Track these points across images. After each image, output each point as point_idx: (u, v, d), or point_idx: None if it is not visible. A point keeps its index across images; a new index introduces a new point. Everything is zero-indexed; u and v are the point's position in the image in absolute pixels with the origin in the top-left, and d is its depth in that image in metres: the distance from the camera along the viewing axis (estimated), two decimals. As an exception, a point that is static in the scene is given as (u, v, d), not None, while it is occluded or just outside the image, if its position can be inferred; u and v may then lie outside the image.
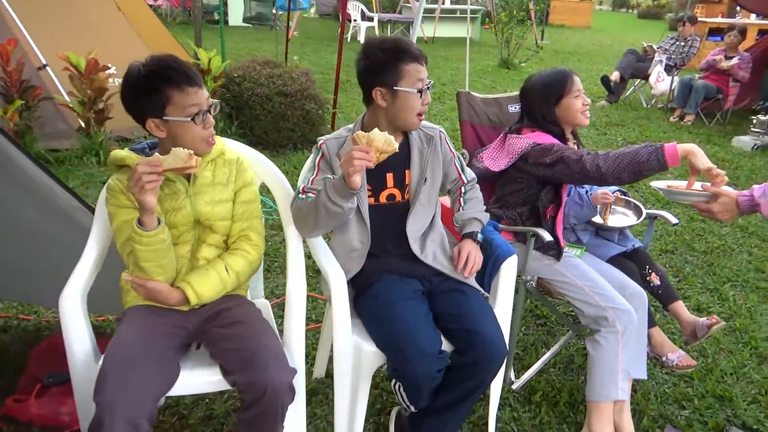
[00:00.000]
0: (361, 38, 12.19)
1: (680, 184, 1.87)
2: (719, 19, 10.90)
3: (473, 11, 14.47)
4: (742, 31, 6.55)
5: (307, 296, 2.76)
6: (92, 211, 1.94)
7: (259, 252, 1.75)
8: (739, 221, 3.97)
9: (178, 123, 1.53)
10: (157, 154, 1.43)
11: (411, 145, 1.85)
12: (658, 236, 3.70)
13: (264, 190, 2.02)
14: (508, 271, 1.89)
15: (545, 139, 2.11)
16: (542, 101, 2.16)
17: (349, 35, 12.39)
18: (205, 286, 1.60)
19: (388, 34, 12.64)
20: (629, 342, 1.96)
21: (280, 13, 11.31)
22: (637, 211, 2.39)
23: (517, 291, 2.01)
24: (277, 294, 2.77)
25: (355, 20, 11.83)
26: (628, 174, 1.87)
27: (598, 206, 2.26)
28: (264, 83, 4.43)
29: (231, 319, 1.60)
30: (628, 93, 7.82)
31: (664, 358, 2.21)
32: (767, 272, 3.34)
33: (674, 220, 2.34)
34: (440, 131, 1.93)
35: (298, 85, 4.57)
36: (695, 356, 2.47)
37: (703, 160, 1.76)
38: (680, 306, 2.27)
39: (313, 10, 17.08)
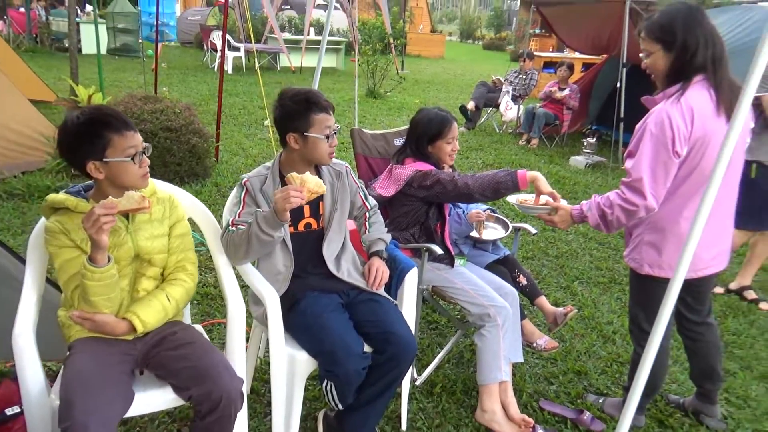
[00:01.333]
0: (229, 68, 12.20)
1: (528, 198, 2.36)
2: (551, 54, 12.48)
3: (337, 43, 15.12)
4: (570, 67, 7.69)
5: (217, 323, 2.92)
6: (10, 251, 2.00)
7: (194, 280, 1.93)
8: (580, 229, 4.73)
9: (118, 164, 1.69)
10: (111, 197, 1.58)
11: (323, 180, 2.15)
12: (520, 246, 4.31)
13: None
14: (411, 281, 2.25)
15: (425, 166, 2.52)
16: (422, 135, 2.58)
17: (216, 65, 12.34)
18: (150, 315, 1.76)
19: (256, 64, 12.76)
20: (507, 333, 2.40)
21: (139, 41, 11.03)
22: (505, 226, 2.88)
23: (415, 298, 2.37)
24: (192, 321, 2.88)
25: (220, 50, 11.82)
26: (490, 191, 2.31)
27: (474, 224, 2.71)
28: (147, 119, 4.46)
29: (179, 341, 1.77)
30: (482, 120, 8.74)
31: (534, 344, 2.70)
32: (605, 270, 4.05)
33: (533, 231, 2.87)
34: (346, 166, 2.25)
35: (182, 120, 4.65)
36: (557, 341, 3.00)
37: (545, 185, 2.25)
38: (543, 300, 2.78)
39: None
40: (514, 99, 8.20)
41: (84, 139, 1.68)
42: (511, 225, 2.86)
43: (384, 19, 14.13)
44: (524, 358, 2.70)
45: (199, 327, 2.06)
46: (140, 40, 9.67)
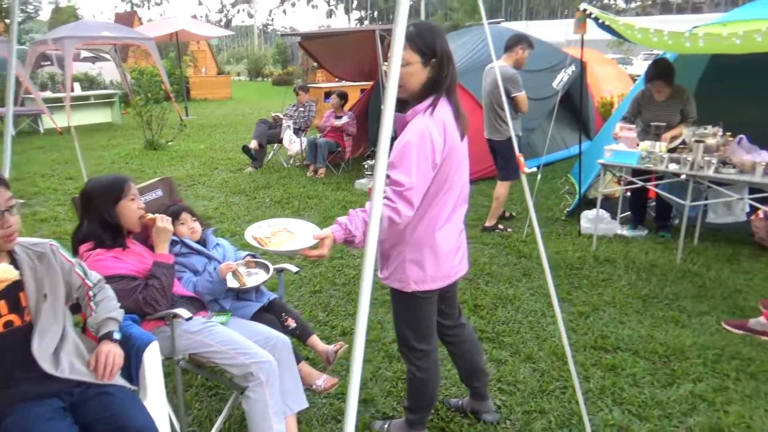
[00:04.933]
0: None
1: (270, 230, 2.25)
2: (330, 84, 12.85)
3: (110, 96, 14.02)
4: (342, 95, 7.99)
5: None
6: None
7: None
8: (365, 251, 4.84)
9: None
10: None
11: (20, 266, 1.84)
12: (307, 280, 4.26)
13: None
14: (152, 358, 2.03)
15: (98, 260, 2.24)
16: (102, 202, 2.34)
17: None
18: None
19: (12, 130, 11.24)
20: (275, 387, 2.27)
21: None
22: (266, 269, 2.77)
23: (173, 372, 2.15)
24: None
25: (-40, 119, 10.18)
26: (164, 293, 2.27)
27: (228, 276, 2.56)
28: None
29: None
30: (269, 157, 8.67)
31: (314, 386, 2.62)
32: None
33: (294, 269, 2.82)
34: (50, 244, 1.96)
35: None
36: (343, 374, 2.97)
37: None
38: (315, 340, 2.73)
39: None
40: (296, 132, 8.28)
41: None
42: (272, 267, 2.77)
43: (158, 67, 13.50)
44: (311, 400, 2.62)
45: None
46: None
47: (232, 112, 16.02)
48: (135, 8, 61.31)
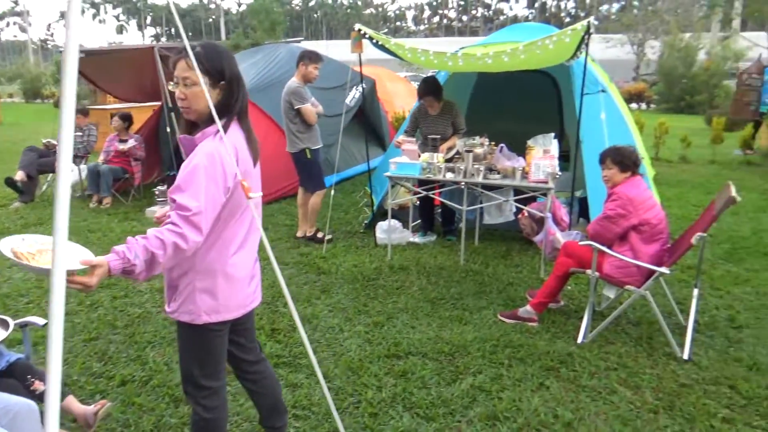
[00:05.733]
0: None
1: (37, 246, 1.86)
2: (112, 106, 11.71)
3: None
4: (125, 117, 7.34)
5: None
6: None
7: None
8: (156, 285, 4.46)
9: None
10: None
11: None
12: (81, 327, 3.77)
13: None
14: None
15: None
16: None
17: None
18: None
19: None
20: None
21: None
22: (5, 324, 2.35)
23: None
24: None
25: None
26: None
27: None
28: None
29: None
30: (43, 189, 7.64)
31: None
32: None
33: (41, 323, 2.43)
34: None
35: None
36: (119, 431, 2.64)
37: None
38: (71, 401, 2.39)
39: None
40: (74, 159, 7.40)
41: None
42: (12, 323, 2.35)
43: None
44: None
45: None
46: None
47: (1, 140, 13.90)
48: None
